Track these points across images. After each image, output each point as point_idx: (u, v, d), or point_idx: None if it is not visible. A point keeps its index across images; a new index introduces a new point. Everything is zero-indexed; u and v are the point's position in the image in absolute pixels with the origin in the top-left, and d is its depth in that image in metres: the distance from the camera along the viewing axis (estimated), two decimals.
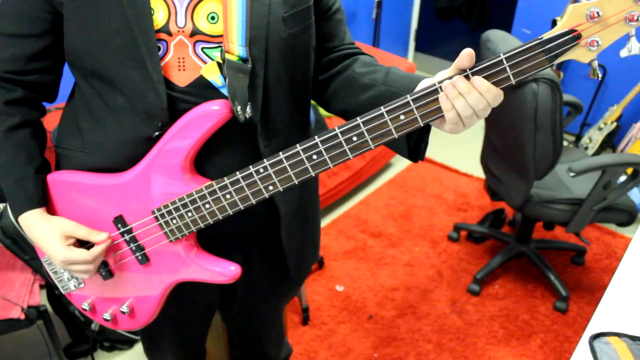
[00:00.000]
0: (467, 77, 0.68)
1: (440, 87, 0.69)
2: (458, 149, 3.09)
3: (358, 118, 0.72)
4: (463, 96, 0.68)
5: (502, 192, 2.05)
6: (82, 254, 0.86)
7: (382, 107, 0.71)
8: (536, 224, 2.28)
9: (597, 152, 2.95)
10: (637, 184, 1.85)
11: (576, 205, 1.88)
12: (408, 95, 0.70)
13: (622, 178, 1.98)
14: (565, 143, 2.95)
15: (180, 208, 0.83)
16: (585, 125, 3.11)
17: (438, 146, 3.04)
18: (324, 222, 2.51)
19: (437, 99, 0.69)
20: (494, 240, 2.41)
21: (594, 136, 2.96)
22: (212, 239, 0.92)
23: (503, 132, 1.94)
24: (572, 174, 1.74)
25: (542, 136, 1.72)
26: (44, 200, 0.89)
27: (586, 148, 2.98)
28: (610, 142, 2.98)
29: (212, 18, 0.78)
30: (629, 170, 2.07)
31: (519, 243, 2.25)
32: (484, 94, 0.68)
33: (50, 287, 1.69)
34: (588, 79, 3.11)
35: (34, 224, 0.87)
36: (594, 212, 1.87)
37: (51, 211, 0.91)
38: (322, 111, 2.47)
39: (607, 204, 1.86)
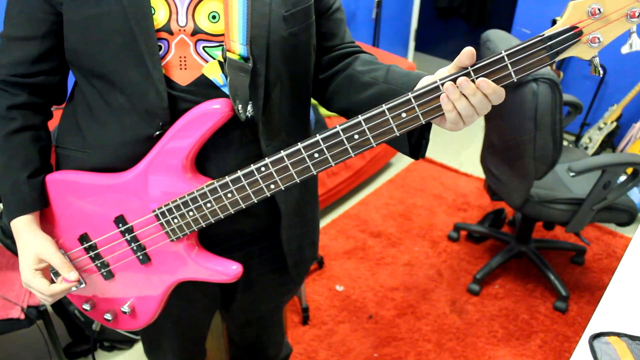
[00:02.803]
0: (468, 74, 0.68)
1: (442, 84, 0.69)
2: (458, 149, 3.09)
3: (359, 116, 0.72)
4: (466, 97, 0.68)
5: (502, 192, 2.05)
6: (42, 286, 0.86)
7: (383, 105, 0.71)
8: (536, 224, 2.28)
9: (597, 152, 2.95)
10: (637, 183, 1.85)
11: (576, 205, 1.89)
12: (409, 93, 0.70)
13: (622, 178, 1.99)
14: (565, 143, 2.95)
15: (182, 207, 0.83)
16: (585, 125, 3.11)
17: (438, 146, 3.04)
18: (324, 222, 2.51)
19: (438, 97, 0.69)
20: (494, 240, 2.41)
21: (594, 136, 2.97)
22: (212, 238, 0.92)
23: (503, 132, 1.94)
24: (572, 174, 1.74)
25: (542, 136, 1.72)
26: (39, 204, 0.88)
27: (586, 148, 2.98)
28: (610, 141, 2.99)
29: (213, 17, 0.78)
30: (629, 170, 2.07)
31: (519, 243, 2.25)
32: (489, 96, 0.68)
33: None
34: (588, 79, 3.12)
35: (20, 233, 0.88)
36: (593, 212, 1.87)
37: (51, 212, 0.91)
38: (322, 110, 2.47)
39: (607, 204, 1.86)
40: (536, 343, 1.96)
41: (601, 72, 0.65)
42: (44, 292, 0.87)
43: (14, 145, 0.87)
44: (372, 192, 2.75)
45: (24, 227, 0.87)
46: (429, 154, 3.01)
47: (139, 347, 1.87)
